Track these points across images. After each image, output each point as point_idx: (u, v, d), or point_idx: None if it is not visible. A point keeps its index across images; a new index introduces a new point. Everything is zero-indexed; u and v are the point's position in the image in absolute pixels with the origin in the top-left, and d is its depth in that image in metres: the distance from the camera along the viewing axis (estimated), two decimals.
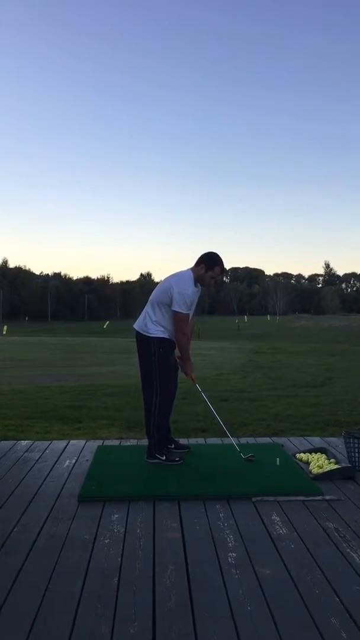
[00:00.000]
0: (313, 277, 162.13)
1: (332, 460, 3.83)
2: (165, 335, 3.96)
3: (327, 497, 3.24)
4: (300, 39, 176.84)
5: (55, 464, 3.97)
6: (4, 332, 35.34)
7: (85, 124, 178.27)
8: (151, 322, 3.96)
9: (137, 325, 4.05)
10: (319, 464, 3.76)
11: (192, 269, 4.05)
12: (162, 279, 4.19)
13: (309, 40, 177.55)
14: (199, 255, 4.06)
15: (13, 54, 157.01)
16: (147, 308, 4.03)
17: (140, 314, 4.12)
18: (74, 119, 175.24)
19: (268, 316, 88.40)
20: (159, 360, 3.93)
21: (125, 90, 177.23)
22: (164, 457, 3.95)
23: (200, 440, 4.77)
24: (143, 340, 3.98)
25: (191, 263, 4.07)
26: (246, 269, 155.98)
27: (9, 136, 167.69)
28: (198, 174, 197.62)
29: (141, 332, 3.99)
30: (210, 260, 4.02)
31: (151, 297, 4.04)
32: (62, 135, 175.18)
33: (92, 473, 3.68)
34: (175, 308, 3.87)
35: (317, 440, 4.71)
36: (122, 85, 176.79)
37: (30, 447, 4.48)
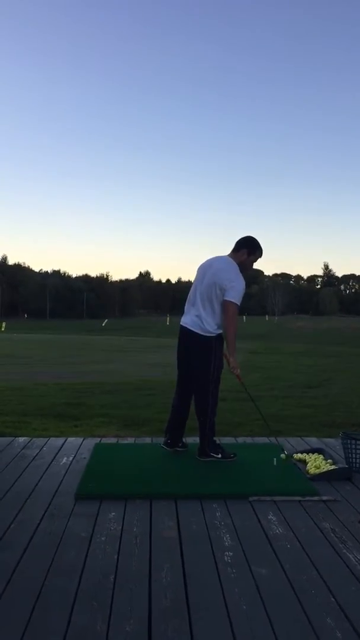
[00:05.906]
0: (312, 278, 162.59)
1: (329, 460, 3.83)
2: (220, 332, 3.90)
3: (324, 498, 3.25)
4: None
5: (52, 461, 3.97)
6: (2, 329, 35.30)
7: (85, 120, 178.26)
8: (207, 320, 3.83)
9: (190, 324, 3.87)
10: (316, 464, 3.77)
11: (231, 255, 3.94)
12: (198, 267, 4.01)
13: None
14: (237, 241, 3.97)
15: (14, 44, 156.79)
16: (199, 304, 3.86)
17: (187, 310, 3.96)
18: (75, 114, 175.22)
19: (266, 316, 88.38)
20: (219, 360, 3.88)
21: (127, 85, 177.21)
22: (219, 455, 3.93)
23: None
24: (200, 341, 3.84)
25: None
26: None
27: (9, 132, 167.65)
28: (197, 174, 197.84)
29: (200, 332, 3.85)
30: (251, 245, 3.96)
31: (201, 292, 3.87)
32: (62, 132, 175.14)
33: (89, 471, 3.68)
34: (231, 299, 3.75)
35: (314, 441, 4.72)
36: (125, 79, 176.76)
37: (27, 444, 4.48)
